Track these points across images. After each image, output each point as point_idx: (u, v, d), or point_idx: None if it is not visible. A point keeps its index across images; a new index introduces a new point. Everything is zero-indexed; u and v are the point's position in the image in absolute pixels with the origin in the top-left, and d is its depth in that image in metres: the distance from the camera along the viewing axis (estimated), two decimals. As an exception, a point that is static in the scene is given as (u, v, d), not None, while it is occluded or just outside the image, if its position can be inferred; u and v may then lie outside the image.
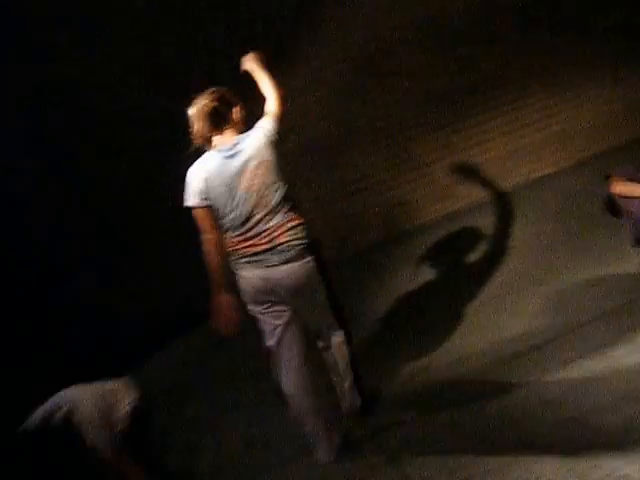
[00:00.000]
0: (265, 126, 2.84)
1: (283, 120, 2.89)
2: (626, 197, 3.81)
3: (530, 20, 6.02)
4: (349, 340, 3.15)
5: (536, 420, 2.79)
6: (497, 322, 3.80)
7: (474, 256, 4.85)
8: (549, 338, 3.38)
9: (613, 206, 3.94)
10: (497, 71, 6.07)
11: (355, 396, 3.15)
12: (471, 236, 5.22)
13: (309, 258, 2.81)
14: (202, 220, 2.80)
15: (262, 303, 2.85)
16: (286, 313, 2.86)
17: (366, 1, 5.53)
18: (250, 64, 3.06)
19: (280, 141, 2.85)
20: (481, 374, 3.30)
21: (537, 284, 4.08)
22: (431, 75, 5.87)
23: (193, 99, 2.85)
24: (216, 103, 2.82)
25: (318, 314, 2.98)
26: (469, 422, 2.94)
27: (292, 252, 2.76)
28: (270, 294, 2.81)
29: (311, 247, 2.83)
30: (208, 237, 2.80)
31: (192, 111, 2.83)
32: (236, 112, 2.89)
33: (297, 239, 2.77)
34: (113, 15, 4.93)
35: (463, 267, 4.71)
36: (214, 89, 2.86)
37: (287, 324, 2.87)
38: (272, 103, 2.91)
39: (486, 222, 5.42)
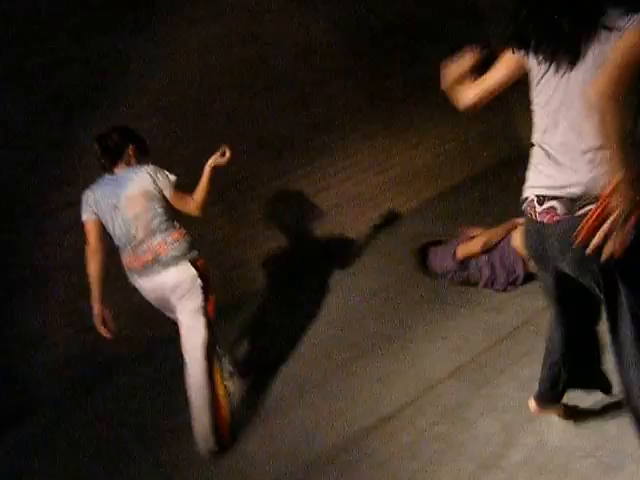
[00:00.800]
0: (157, 173, 3.36)
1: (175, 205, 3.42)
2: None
3: (363, 62, 6.15)
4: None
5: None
6: (344, 391, 3.60)
7: (318, 317, 4.70)
8: (401, 405, 3.22)
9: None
10: (331, 115, 6.10)
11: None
12: (315, 295, 5.09)
13: (189, 264, 3.36)
14: (88, 233, 3.40)
15: (161, 308, 3.51)
16: (175, 309, 3.43)
17: (188, 41, 5.36)
18: (212, 165, 3.51)
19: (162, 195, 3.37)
20: (328, 458, 3.05)
21: (386, 341, 3.96)
22: (261, 120, 5.76)
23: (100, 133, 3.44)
24: (114, 139, 3.40)
25: (196, 317, 3.40)
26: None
27: (173, 260, 3.32)
28: (163, 299, 3.41)
29: (191, 258, 3.39)
30: (90, 248, 3.40)
31: (95, 144, 3.41)
32: (131, 149, 3.44)
33: (178, 249, 3.34)
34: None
35: (308, 330, 4.53)
36: (115, 127, 3.47)
37: (179, 318, 3.44)
38: (191, 199, 3.42)
39: (329, 277, 5.35)
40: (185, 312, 3.40)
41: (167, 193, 3.36)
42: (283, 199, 5.98)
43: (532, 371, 3.03)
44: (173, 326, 3.53)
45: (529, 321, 3.58)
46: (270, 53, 5.76)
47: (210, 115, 5.50)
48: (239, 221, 5.76)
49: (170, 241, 3.33)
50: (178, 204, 3.40)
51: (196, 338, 3.38)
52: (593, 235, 1.81)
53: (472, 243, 4.15)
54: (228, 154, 3.50)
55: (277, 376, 4.07)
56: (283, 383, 3.97)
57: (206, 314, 3.44)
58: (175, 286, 3.32)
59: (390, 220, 6.22)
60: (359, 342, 4.11)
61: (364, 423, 3.21)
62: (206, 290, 3.43)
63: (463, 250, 4.16)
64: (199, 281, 3.38)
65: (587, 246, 1.83)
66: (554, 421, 2.65)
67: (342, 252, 5.82)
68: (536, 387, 2.88)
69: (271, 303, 5.38)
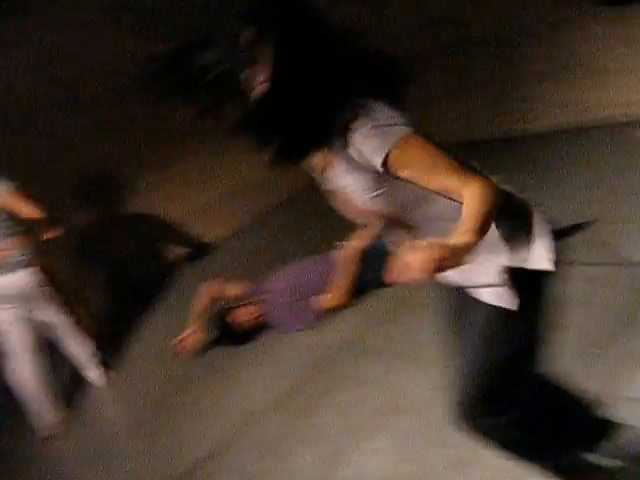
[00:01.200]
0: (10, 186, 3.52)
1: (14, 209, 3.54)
2: None
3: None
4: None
5: None
6: (163, 429, 3.42)
7: (138, 348, 4.48)
8: (221, 441, 3.08)
9: None
10: (151, 134, 5.87)
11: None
12: (137, 322, 4.87)
13: (35, 270, 3.60)
14: None
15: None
16: (18, 313, 3.65)
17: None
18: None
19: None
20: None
21: (209, 371, 3.80)
22: (75, 143, 5.43)
23: None
24: None
25: (51, 309, 3.75)
26: None
27: (18, 264, 3.54)
28: (8, 300, 3.58)
29: (38, 263, 3.63)
30: None
31: None
32: None
33: (22, 255, 3.56)
34: None
35: (127, 362, 4.31)
36: None
37: (17, 323, 3.65)
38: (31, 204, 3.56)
39: (156, 302, 5.16)
40: (47, 317, 3.77)
41: (5, 198, 3.51)
42: (106, 225, 5.67)
43: (350, 396, 3.03)
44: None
45: (347, 339, 3.57)
46: (79, 74, 5.44)
47: (22, 138, 5.11)
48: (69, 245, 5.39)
49: (15, 246, 3.56)
50: (16, 207, 3.53)
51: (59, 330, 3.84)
52: None
53: (336, 296, 3.82)
54: (56, 234, 3.78)
55: (96, 416, 3.87)
56: (103, 423, 3.77)
57: (65, 314, 3.82)
58: (23, 294, 3.61)
59: (220, 238, 6.08)
60: (180, 374, 3.93)
61: (183, 464, 3.04)
62: (56, 290, 3.75)
63: (328, 304, 3.84)
64: (46, 288, 3.68)
65: None
66: (373, 450, 2.61)
67: (169, 274, 5.60)
68: (353, 412, 2.87)
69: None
